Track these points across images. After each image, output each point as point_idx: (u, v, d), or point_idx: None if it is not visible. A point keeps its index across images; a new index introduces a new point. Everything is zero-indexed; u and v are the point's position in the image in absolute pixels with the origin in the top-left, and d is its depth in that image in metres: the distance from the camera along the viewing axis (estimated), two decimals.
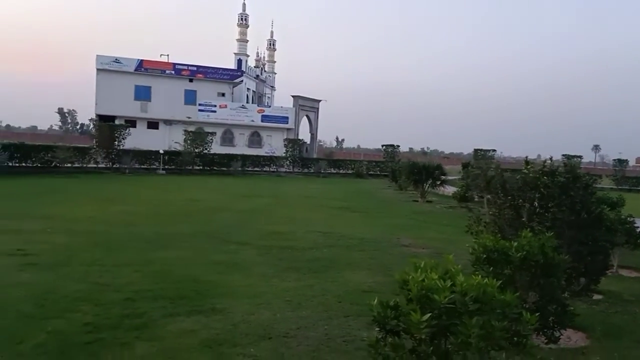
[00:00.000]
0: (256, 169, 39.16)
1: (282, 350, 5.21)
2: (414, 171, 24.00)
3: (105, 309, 6.04)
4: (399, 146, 47.66)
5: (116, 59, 49.98)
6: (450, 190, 25.10)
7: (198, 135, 36.94)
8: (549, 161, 6.54)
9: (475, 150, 46.77)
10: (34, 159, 28.17)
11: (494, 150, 47.32)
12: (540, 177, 6.20)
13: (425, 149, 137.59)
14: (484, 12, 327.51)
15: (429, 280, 2.94)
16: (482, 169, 7.17)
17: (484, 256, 4.70)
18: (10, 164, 26.51)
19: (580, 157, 41.88)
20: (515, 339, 3.05)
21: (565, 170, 6.48)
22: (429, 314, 2.79)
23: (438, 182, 24.07)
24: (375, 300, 3.18)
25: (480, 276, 3.07)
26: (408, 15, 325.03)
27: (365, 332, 5.80)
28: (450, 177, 26.35)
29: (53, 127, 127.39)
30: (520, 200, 6.17)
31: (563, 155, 43.71)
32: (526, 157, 6.66)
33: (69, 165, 29.09)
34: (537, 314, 3.12)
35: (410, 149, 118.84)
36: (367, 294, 7.47)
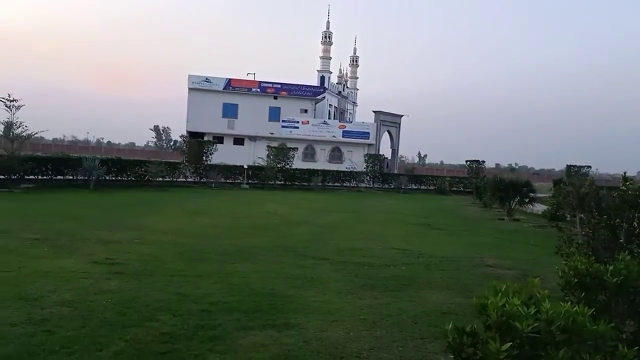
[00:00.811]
0: (336, 184, 39.29)
1: None
2: (500, 188, 22.96)
3: (182, 319, 6.16)
4: (484, 162, 45.91)
5: (207, 79, 52.58)
6: (539, 208, 23.72)
7: (280, 151, 37.73)
8: None
9: (568, 167, 44.05)
10: (128, 173, 30.01)
11: (589, 167, 44.29)
12: None
13: (514, 165, 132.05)
14: (582, 14, 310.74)
15: (510, 305, 2.67)
16: (574, 185, 6.64)
17: (575, 280, 4.26)
18: (107, 178, 28.36)
19: None
20: None
21: None
22: (510, 343, 2.52)
23: (526, 200, 22.82)
24: (450, 325, 2.94)
25: (569, 303, 2.74)
26: (497, 23, 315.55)
27: (443, 356, 5.48)
28: (540, 195, 24.89)
29: (149, 144, 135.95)
30: (618, 220, 5.61)
31: None
32: (624, 172, 6.08)
33: (160, 179, 30.70)
34: (635, 348, 2.73)
35: (497, 165, 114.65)
36: (446, 315, 7.13)
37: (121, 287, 7.53)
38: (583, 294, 4.20)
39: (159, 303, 6.79)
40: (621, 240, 5.45)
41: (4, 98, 24.07)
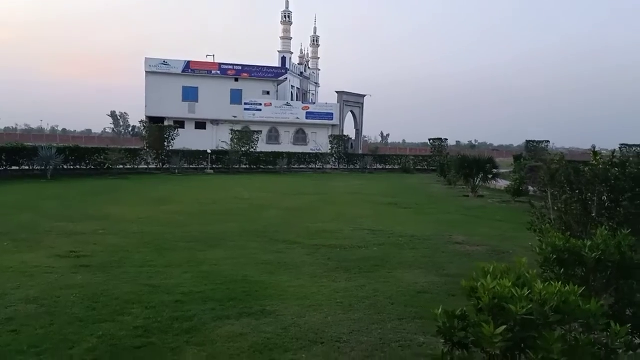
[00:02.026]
0: (302, 166, 39.13)
1: (334, 355, 4.98)
2: (464, 165, 23.27)
3: (155, 311, 5.98)
4: (446, 140, 46.57)
5: (164, 61, 51.18)
6: (502, 184, 24.23)
7: (244, 135, 37.24)
8: (618, 151, 6.04)
9: (528, 142, 45.12)
10: (87, 161, 29.06)
11: (547, 142, 45.48)
12: (610, 168, 5.70)
13: (473, 142, 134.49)
14: None
15: (501, 287, 2.63)
16: (545, 161, 6.71)
17: (554, 257, 4.30)
18: (65, 167, 27.40)
19: None
20: (603, 353, 2.69)
21: (638, 161, 5.94)
22: (504, 327, 2.48)
23: (490, 176, 23.24)
24: (440, 309, 2.88)
25: (560, 282, 2.72)
26: (450, 4, 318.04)
27: (422, 336, 5.51)
28: (502, 171, 25.40)
29: (106, 130, 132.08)
30: (589, 195, 5.69)
31: (622, 144, 41.49)
32: (593, 147, 6.17)
33: (121, 166, 29.87)
34: (628, 325, 2.74)
35: (458, 142, 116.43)
36: (421, 294, 7.19)
37: (88, 280, 7.26)
38: (562, 270, 4.23)
39: (130, 296, 6.57)
40: (593, 215, 5.54)
41: None
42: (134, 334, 5.29)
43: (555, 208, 6.09)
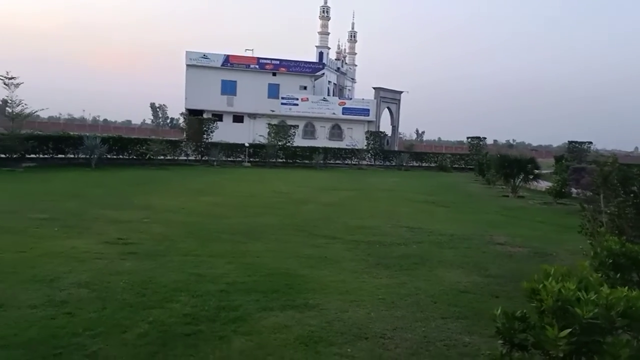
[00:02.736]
0: (337, 161, 39.15)
1: (379, 351, 5.00)
2: (504, 165, 22.86)
3: (202, 300, 6.12)
4: (485, 138, 45.80)
5: (204, 55, 51.91)
6: (543, 185, 23.70)
7: (281, 129, 37.49)
8: None
9: (570, 143, 43.87)
10: (130, 151, 29.84)
11: (590, 143, 44.07)
12: None
13: (511, 141, 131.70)
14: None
15: (566, 290, 2.59)
16: (598, 163, 6.55)
17: (610, 261, 4.20)
18: (108, 156, 28.19)
19: None
20: None
21: None
22: (569, 330, 2.45)
23: (531, 177, 22.75)
24: (499, 310, 2.87)
25: (627, 287, 2.67)
26: (490, 2, 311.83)
27: (467, 336, 5.48)
28: (543, 171, 24.83)
29: (146, 122, 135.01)
30: None
31: None
32: (636, 149, 5.99)
33: (162, 157, 30.53)
34: None
35: (495, 141, 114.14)
36: (464, 294, 7.12)
37: (136, 267, 7.47)
38: (618, 274, 4.14)
39: (177, 284, 6.74)
40: None
41: (2, 76, 23.78)
42: (183, 321, 5.43)
43: (608, 211, 5.94)
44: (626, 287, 2.66)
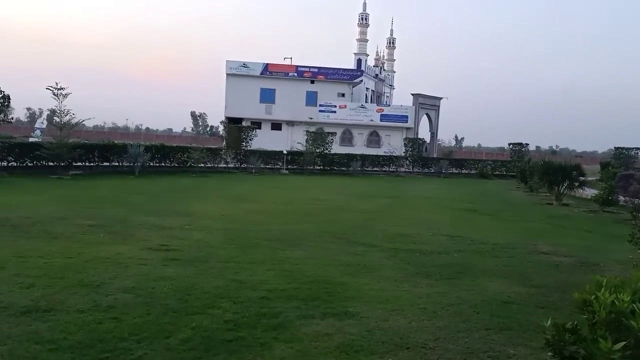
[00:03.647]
0: (375, 168, 39.00)
1: None
2: (548, 171, 22.24)
3: (243, 306, 6.17)
4: (527, 144, 44.75)
5: (244, 64, 52.77)
6: (588, 193, 22.95)
7: (319, 136, 37.64)
8: None
9: (616, 149, 42.37)
10: (171, 159, 30.53)
11: (638, 149, 42.43)
12: None
13: (554, 148, 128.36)
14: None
15: (619, 302, 2.50)
16: None
17: None
18: (151, 164, 28.92)
19: None
20: None
21: None
22: (623, 343, 2.36)
23: (576, 184, 22.07)
24: (549, 322, 2.78)
25: None
26: (537, 8, 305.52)
27: (512, 348, 5.33)
28: (588, 178, 24.06)
29: (186, 130, 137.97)
30: None
31: None
32: None
33: (202, 165, 31.11)
34: None
35: (537, 147, 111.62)
36: (507, 305, 6.95)
37: (179, 273, 7.61)
38: None
39: (218, 290, 6.82)
40: None
41: (51, 86, 24.74)
42: (225, 327, 5.49)
43: None
44: None
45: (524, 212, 18.68)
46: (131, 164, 27.01)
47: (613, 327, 2.50)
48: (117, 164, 27.85)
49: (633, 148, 42.02)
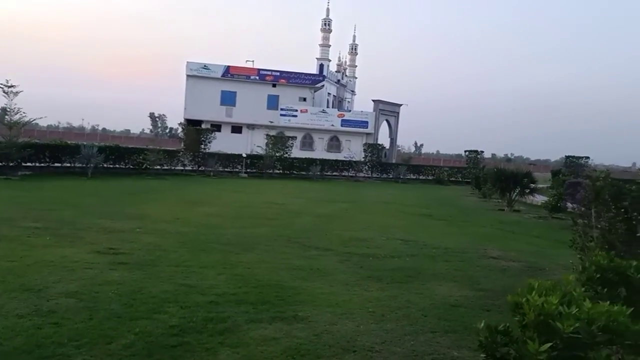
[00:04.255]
0: (334, 173, 39.14)
1: None
2: (500, 178, 22.88)
3: (190, 311, 6.07)
4: (482, 152, 45.86)
5: (205, 66, 52.15)
6: (539, 199, 23.71)
7: (279, 140, 37.53)
8: None
9: (567, 157, 43.92)
10: (126, 160, 29.77)
11: (587, 158, 44.10)
12: None
13: (509, 155, 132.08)
14: (586, 12, 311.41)
15: (548, 305, 2.57)
16: (591, 178, 6.52)
17: (598, 276, 4.18)
18: (104, 165, 28.13)
19: None
20: None
21: None
22: (550, 344, 2.43)
23: (527, 191, 22.77)
24: (482, 324, 2.84)
25: (609, 302, 2.64)
26: (500, 18, 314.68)
27: (456, 351, 5.43)
28: (539, 186, 24.85)
29: (144, 131, 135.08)
30: (635, 214, 5.51)
31: None
32: (634, 164, 5.99)
33: (159, 167, 30.46)
34: None
35: (493, 155, 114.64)
36: (455, 308, 7.08)
37: (126, 277, 7.42)
38: (605, 289, 4.11)
39: (166, 294, 6.69)
40: (638, 235, 5.36)
41: (1, 84, 23.80)
42: (170, 332, 5.37)
43: (599, 226, 5.92)
44: (608, 302, 2.64)
45: (476, 217, 19.12)
46: (84, 165, 26.19)
47: (542, 329, 2.57)
48: (69, 165, 26.93)
49: (583, 157, 43.65)
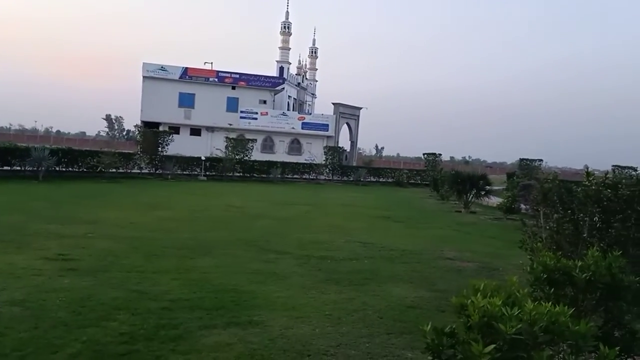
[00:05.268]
0: (295, 176, 39.10)
1: None
2: (457, 181, 23.36)
3: (141, 318, 5.91)
4: (440, 155, 46.72)
5: (162, 67, 51.20)
6: (495, 201, 24.31)
7: (239, 142, 37.22)
8: (611, 172, 6.06)
9: (521, 160, 45.31)
10: (80, 163, 28.86)
11: (541, 160, 45.64)
12: (602, 189, 5.72)
13: (467, 158, 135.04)
14: (535, 12, 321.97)
15: (492, 306, 2.60)
16: (539, 180, 6.71)
17: (544, 276, 4.28)
18: (57, 168, 27.21)
19: (634, 168, 39.66)
20: None
21: (630, 182, 5.96)
22: (493, 345, 2.45)
23: (482, 193, 23.31)
24: (429, 326, 2.84)
25: (550, 303, 2.70)
26: (451, 22, 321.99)
27: (410, 352, 5.47)
28: (494, 188, 25.49)
29: (100, 133, 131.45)
30: (581, 215, 5.69)
31: (614, 166, 41.58)
32: (586, 167, 6.21)
33: (114, 170, 29.65)
34: (616, 348, 2.72)
35: (452, 157, 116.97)
36: (410, 309, 7.15)
37: (75, 284, 7.17)
38: (552, 289, 4.22)
39: (116, 301, 6.49)
40: (584, 235, 5.54)
41: None
42: (119, 340, 5.22)
43: (547, 227, 6.09)
44: (550, 303, 2.69)
45: (434, 219, 19.43)
46: (35, 169, 25.27)
47: (486, 331, 2.60)
48: (19, 168, 25.92)
49: (537, 159, 45.10)
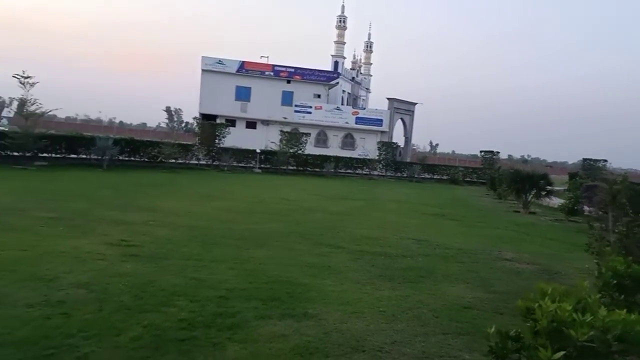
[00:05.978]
0: (348, 171, 39.05)
1: None
2: (516, 179, 22.62)
3: (200, 305, 6.06)
4: (498, 153, 45.45)
5: (220, 61, 52.23)
6: (555, 202, 23.41)
7: (293, 136, 37.51)
8: None
9: (584, 160, 43.39)
10: (141, 153, 29.98)
11: (605, 161, 43.48)
12: None
13: (526, 157, 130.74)
14: (601, 12, 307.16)
15: (561, 311, 2.50)
16: (608, 181, 6.41)
17: (614, 282, 4.08)
18: (120, 158, 28.37)
19: None
20: None
21: None
22: (563, 352, 2.36)
23: (543, 193, 22.48)
24: (493, 329, 2.77)
25: (625, 310, 2.56)
26: (516, 19, 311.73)
27: (467, 354, 5.36)
28: (555, 188, 24.53)
29: (160, 125, 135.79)
30: None
31: None
32: None
33: (173, 160, 30.64)
34: None
35: (510, 156, 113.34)
36: (467, 310, 6.99)
37: (137, 270, 7.45)
38: (622, 296, 4.02)
39: (176, 288, 6.70)
40: None
41: (18, 75, 24.07)
42: (178, 325, 5.38)
43: (616, 230, 5.80)
44: (625, 310, 2.56)
45: (491, 218, 18.92)
46: (99, 157, 26.45)
47: (554, 336, 2.50)
48: (85, 156, 27.22)
49: (601, 160, 43.06)
